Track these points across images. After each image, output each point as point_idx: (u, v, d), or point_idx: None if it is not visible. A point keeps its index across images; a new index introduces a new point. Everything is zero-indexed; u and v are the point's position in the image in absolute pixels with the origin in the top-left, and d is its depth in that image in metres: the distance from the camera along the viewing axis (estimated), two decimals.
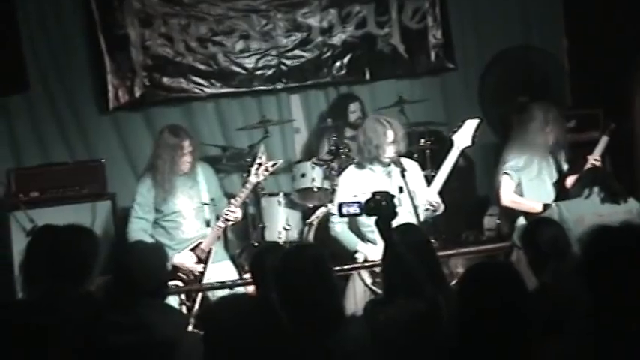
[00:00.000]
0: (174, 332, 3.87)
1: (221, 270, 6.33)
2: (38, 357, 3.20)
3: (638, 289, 2.98)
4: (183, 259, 6.23)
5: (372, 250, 5.79)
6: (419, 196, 5.83)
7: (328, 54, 8.45)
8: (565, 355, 3.09)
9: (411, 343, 3.48)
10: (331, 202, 6.65)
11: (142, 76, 8.08)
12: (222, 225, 6.32)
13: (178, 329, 3.99)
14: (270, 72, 8.34)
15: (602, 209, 5.54)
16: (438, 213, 6.04)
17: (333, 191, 6.90)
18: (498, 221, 7.41)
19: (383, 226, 3.84)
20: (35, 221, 6.54)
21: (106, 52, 7.97)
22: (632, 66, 7.88)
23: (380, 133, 5.91)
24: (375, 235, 4.94)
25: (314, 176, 7.48)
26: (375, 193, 3.90)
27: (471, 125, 6.19)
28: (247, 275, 5.61)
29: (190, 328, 4.67)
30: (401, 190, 5.70)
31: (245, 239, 7.68)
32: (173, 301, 5.80)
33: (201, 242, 6.28)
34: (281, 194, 7.60)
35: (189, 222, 6.31)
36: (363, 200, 3.93)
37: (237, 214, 6.29)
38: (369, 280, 5.79)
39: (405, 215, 5.28)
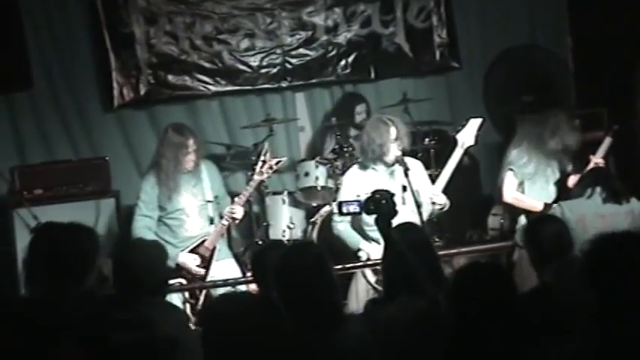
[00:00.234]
0: (176, 330, 3.86)
1: (224, 268, 6.34)
2: (39, 355, 3.20)
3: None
4: (186, 260, 6.23)
5: (375, 249, 5.77)
6: (422, 194, 5.83)
7: (333, 53, 8.44)
8: (567, 356, 3.08)
9: (412, 342, 3.49)
10: (335, 200, 6.65)
11: (147, 74, 8.08)
12: (227, 223, 6.33)
13: (180, 327, 4.00)
14: (275, 70, 8.33)
15: (604, 209, 5.51)
16: (444, 209, 6.05)
17: (337, 190, 6.90)
18: (502, 221, 7.40)
19: (383, 225, 3.85)
20: (39, 218, 6.55)
21: (111, 49, 7.98)
22: (636, 66, 7.86)
23: (383, 132, 5.91)
24: (378, 233, 4.94)
25: (318, 175, 7.46)
26: (375, 192, 3.91)
27: (474, 124, 6.20)
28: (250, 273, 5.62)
29: (192, 326, 4.68)
30: (404, 189, 5.70)
31: (249, 237, 7.67)
32: (176, 299, 5.81)
33: (205, 240, 6.29)
34: (285, 192, 7.58)
35: (192, 220, 6.32)
36: (362, 199, 3.93)
37: (241, 211, 6.30)
38: (372, 279, 5.79)
39: (408, 214, 5.29)
